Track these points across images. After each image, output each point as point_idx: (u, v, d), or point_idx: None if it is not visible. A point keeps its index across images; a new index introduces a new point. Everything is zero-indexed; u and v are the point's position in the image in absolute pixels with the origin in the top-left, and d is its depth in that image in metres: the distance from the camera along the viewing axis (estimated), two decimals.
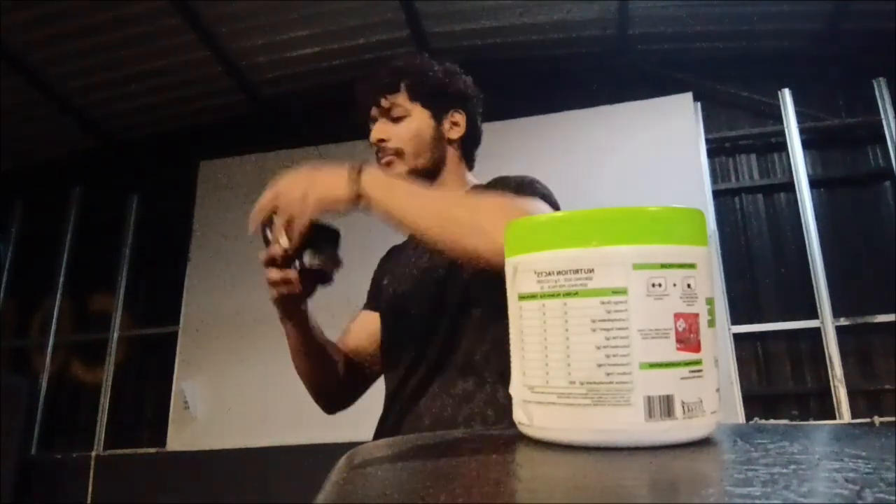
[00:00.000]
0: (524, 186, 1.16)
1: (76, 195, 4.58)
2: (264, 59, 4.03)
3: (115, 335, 4.27)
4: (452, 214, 0.98)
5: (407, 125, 1.25)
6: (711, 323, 0.47)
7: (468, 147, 1.33)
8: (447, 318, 1.15)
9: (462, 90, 1.31)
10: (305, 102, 4.16)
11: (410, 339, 1.19)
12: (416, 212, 0.97)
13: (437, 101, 1.28)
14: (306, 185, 0.95)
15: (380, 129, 1.25)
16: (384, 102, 1.25)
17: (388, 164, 1.25)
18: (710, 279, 0.47)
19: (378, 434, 1.20)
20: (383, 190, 0.96)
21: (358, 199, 0.94)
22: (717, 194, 3.74)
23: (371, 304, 1.40)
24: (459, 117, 1.30)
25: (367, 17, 3.73)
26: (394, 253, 1.43)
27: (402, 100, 1.25)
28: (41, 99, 4.11)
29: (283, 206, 0.95)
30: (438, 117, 1.28)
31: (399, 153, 1.24)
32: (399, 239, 1.39)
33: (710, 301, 0.47)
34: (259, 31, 3.82)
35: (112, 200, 4.49)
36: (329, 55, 3.96)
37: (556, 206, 1.14)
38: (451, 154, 1.31)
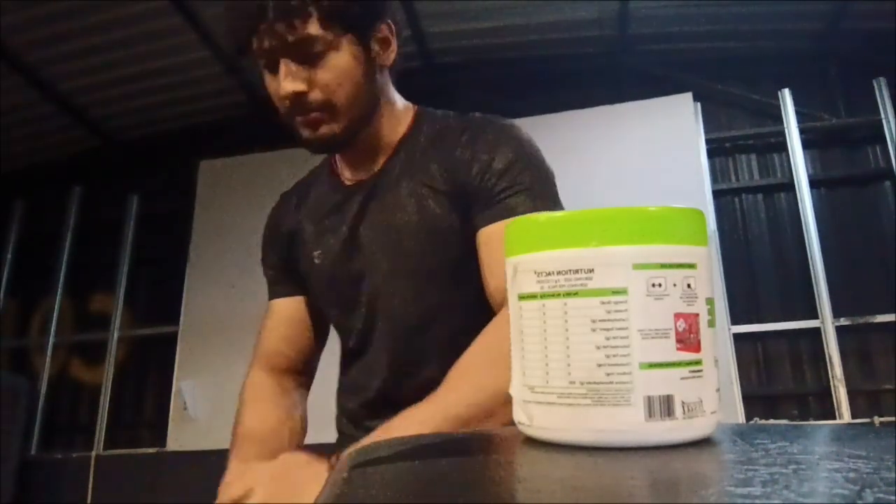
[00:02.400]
0: (550, 187, 0.95)
1: (76, 195, 4.58)
2: None
3: (115, 335, 4.27)
4: (467, 413, 0.79)
5: (332, 64, 0.88)
6: (711, 323, 0.47)
7: (398, 68, 0.98)
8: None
9: None
10: None
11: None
12: None
13: (361, 17, 0.89)
14: (278, 489, 0.80)
15: (293, 78, 0.87)
16: (291, 37, 0.85)
17: (315, 123, 0.90)
18: (710, 279, 0.47)
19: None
20: None
21: None
22: (717, 194, 3.73)
23: (286, 287, 1.11)
24: (387, 30, 0.94)
25: None
26: (290, 218, 1.09)
27: (315, 28, 0.85)
28: (41, 99, 4.11)
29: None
30: (365, 40, 0.91)
31: (328, 107, 0.89)
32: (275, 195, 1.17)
33: (710, 301, 0.47)
34: None
35: (112, 200, 4.49)
36: None
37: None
38: (385, 84, 0.97)
